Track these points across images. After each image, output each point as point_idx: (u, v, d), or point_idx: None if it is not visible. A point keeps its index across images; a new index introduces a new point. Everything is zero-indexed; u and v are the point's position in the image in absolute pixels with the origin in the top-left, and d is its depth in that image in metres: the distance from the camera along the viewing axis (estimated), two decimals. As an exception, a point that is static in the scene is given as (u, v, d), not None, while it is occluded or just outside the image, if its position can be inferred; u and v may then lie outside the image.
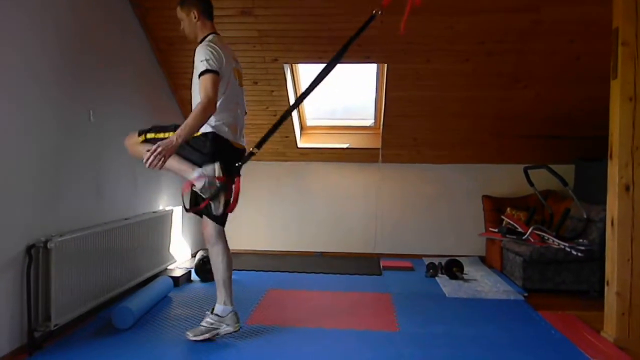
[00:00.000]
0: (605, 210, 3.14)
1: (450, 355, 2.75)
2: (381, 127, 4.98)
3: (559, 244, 4.02)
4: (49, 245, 2.72)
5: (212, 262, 2.95)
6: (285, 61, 4.38)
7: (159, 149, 2.52)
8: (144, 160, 2.54)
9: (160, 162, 2.54)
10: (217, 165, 2.76)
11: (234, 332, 2.87)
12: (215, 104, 2.65)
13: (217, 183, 2.75)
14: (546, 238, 4.19)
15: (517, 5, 3.63)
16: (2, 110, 2.53)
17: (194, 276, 4.32)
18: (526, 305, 3.67)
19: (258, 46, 4.15)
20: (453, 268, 4.43)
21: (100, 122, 3.44)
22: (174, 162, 2.76)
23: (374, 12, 2.73)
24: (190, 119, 2.60)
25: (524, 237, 4.27)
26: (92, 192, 3.38)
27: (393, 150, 5.19)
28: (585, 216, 4.08)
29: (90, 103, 3.33)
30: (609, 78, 3.01)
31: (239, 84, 2.98)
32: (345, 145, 5.26)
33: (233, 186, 2.87)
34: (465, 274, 4.50)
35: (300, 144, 5.27)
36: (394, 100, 4.61)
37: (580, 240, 4.04)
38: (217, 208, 2.82)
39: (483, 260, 5.18)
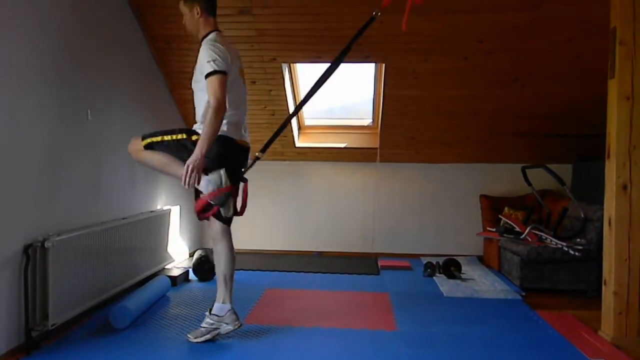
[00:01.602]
0: (602, 209, 3.14)
1: (448, 354, 2.75)
2: (379, 126, 4.98)
3: (556, 244, 4.02)
4: (47, 244, 2.72)
5: (215, 258, 2.96)
6: (284, 60, 4.37)
7: (190, 167, 2.59)
8: (183, 183, 2.60)
9: (196, 178, 2.60)
10: (223, 173, 2.75)
11: (235, 329, 2.86)
12: (225, 105, 2.64)
13: (226, 191, 2.75)
14: (544, 237, 4.20)
15: (516, 4, 3.64)
16: (-1, 109, 2.53)
17: (191, 275, 4.32)
18: (524, 305, 3.68)
19: (256, 45, 4.15)
20: (451, 267, 4.43)
21: (98, 121, 3.43)
22: (176, 167, 2.78)
23: (373, 13, 2.72)
24: (206, 127, 2.62)
25: (521, 237, 4.28)
26: (89, 191, 3.38)
27: (391, 150, 5.19)
28: (582, 215, 4.09)
29: (88, 102, 3.33)
30: (607, 77, 3.01)
31: (243, 82, 2.99)
32: (343, 145, 5.25)
33: (241, 190, 2.90)
34: (463, 273, 4.50)
35: (298, 144, 5.27)
36: (392, 99, 4.61)
37: (578, 240, 4.04)
38: (227, 213, 2.84)
39: (481, 259, 5.18)
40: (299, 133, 5.31)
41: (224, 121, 2.77)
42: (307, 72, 4.88)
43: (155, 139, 2.87)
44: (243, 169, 2.96)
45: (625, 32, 2.86)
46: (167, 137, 2.84)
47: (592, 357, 2.69)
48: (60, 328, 2.93)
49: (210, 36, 2.82)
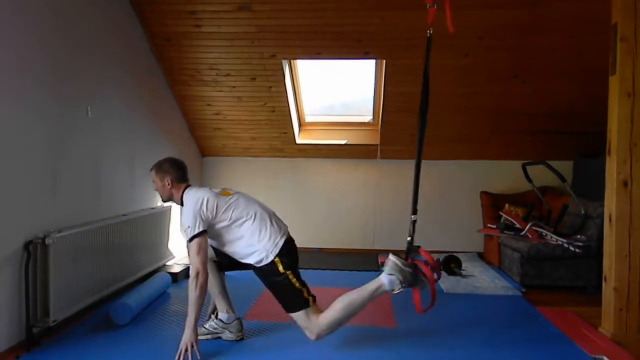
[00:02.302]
0: (603, 206, 3.14)
1: (448, 351, 2.76)
2: (380, 123, 4.97)
3: (556, 240, 4.02)
4: (47, 241, 2.73)
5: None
6: (284, 57, 4.36)
7: (183, 347, 2.54)
8: None
9: (192, 352, 2.54)
10: (391, 256, 2.68)
11: (237, 339, 2.86)
12: (205, 268, 2.60)
13: (407, 268, 2.64)
14: (544, 234, 4.20)
15: (517, 1, 3.63)
16: (-1, 106, 2.53)
17: (192, 272, 4.31)
18: (524, 301, 3.68)
19: (256, 42, 4.14)
20: (451, 264, 4.43)
21: (98, 118, 3.43)
22: (359, 296, 2.76)
23: (428, 33, 2.76)
24: (189, 301, 2.58)
25: (521, 233, 4.28)
26: (90, 188, 3.38)
27: (391, 147, 5.18)
28: (583, 212, 4.09)
29: (88, 98, 3.33)
30: (608, 74, 3.00)
31: (237, 195, 2.87)
32: (343, 142, 5.25)
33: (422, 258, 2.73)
34: (463, 270, 4.50)
35: (298, 140, 5.26)
36: (392, 96, 4.60)
37: (578, 236, 4.04)
38: (425, 285, 2.67)
39: (481, 256, 5.18)
40: (299, 130, 5.30)
41: (266, 242, 2.74)
42: (307, 68, 4.88)
43: (301, 300, 2.79)
44: (409, 238, 2.77)
45: (627, 28, 2.85)
46: (297, 288, 2.82)
47: (593, 354, 2.70)
48: (61, 324, 2.94)
49: (183, 198, 2.78)
